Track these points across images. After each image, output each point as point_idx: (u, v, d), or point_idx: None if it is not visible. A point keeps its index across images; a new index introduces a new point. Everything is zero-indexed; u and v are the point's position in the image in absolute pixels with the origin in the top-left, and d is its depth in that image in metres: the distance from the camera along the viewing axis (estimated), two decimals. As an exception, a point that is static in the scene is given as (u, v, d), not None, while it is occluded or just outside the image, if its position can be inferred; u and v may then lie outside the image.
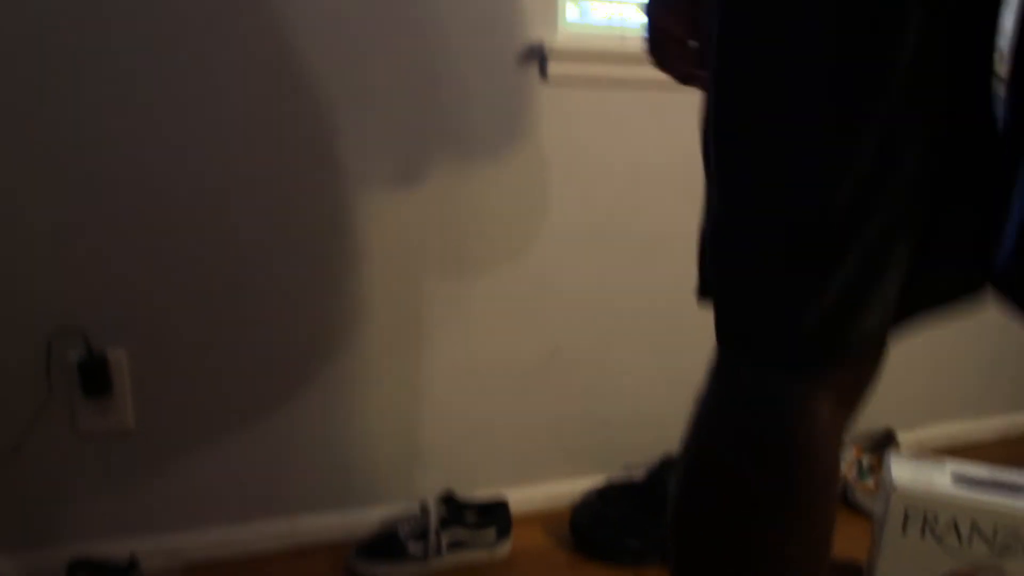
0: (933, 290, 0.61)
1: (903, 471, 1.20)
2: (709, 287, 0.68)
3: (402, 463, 1.43)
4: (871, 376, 0.66)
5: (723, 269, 0.65)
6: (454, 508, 1.39)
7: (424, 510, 1.36)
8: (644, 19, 0.76)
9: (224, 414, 1.30)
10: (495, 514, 1.40)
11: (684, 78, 0.77)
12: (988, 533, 1.15)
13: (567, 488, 1.54)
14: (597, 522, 1.44)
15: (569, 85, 1.35)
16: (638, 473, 1.55)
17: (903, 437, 1.79)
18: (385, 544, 1.35)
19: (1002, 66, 0.52)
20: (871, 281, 0.57)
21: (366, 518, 1.42)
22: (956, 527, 1.16)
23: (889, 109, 0.54)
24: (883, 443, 1.71)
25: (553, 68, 1.32)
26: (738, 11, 0.58)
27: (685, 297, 1.54)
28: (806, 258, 0.58)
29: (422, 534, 1.34)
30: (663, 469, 1.52)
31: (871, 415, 1.51)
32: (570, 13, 1.35)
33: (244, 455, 1.32)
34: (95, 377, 1.21)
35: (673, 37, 0.74)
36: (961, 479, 1.18)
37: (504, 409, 1.47)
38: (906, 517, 1.17)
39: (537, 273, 1.42)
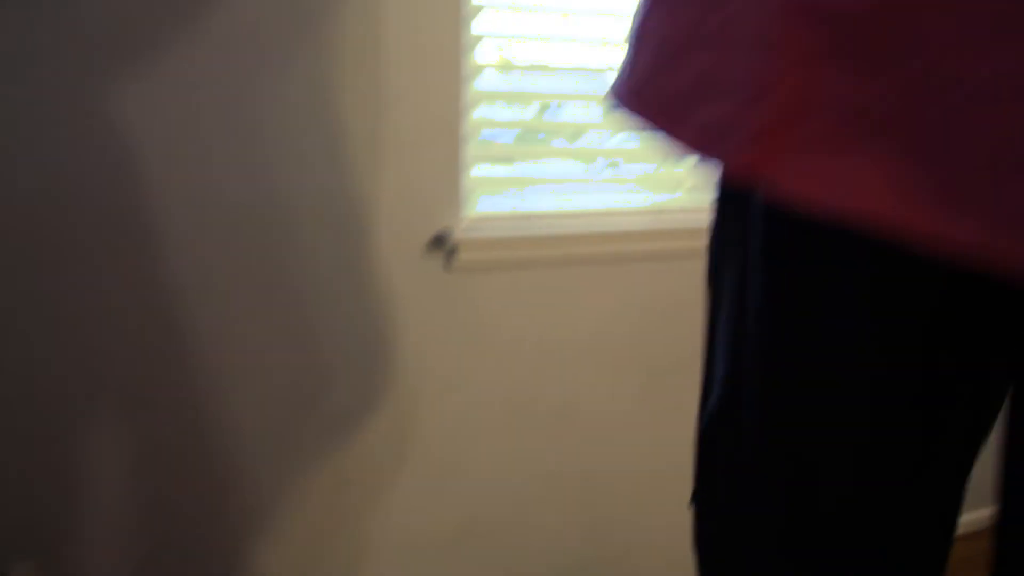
0: None
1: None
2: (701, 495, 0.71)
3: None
4: None
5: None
6: None
7: None
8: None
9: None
10: None
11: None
12: None
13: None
14: None
15: (476, 269, 1.35)
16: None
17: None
18: None
19: None
20: None
21: None
22: None
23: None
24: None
25: (460, 255, 1.33)
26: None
27: (596, 457, 1.58)
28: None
29: None
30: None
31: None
32: (474, 200, 1.37)
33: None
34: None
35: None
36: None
37: (427, 581, 1.49)
38: None
39: (447, 449, 1.43)
